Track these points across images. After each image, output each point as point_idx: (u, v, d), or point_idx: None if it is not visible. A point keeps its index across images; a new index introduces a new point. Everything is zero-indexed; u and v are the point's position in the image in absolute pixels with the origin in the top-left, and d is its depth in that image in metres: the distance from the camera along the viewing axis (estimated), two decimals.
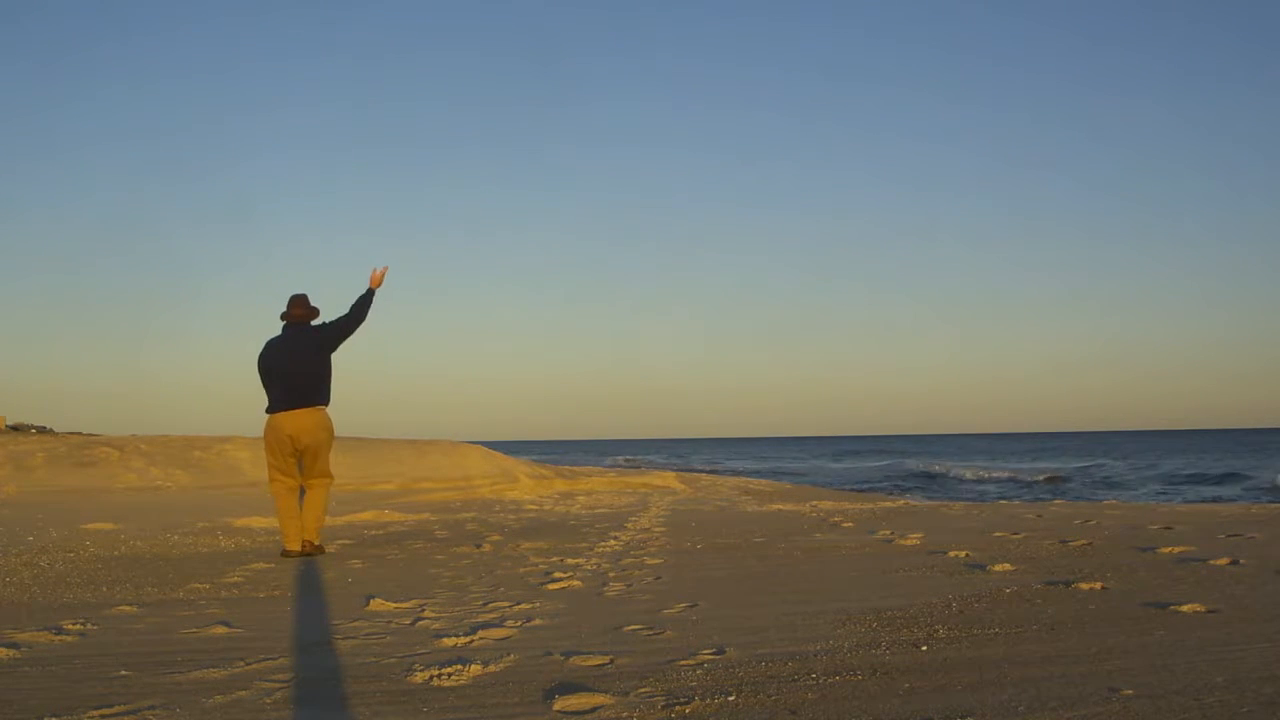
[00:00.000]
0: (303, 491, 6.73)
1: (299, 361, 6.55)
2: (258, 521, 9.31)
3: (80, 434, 23.27)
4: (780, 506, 12.13)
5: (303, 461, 6.66)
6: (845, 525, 8.58)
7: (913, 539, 7.05)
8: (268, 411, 6.57)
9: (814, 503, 13.10)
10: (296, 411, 6.51)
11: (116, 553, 6.77)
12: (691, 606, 4.26)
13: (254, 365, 6.63)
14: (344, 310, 6.69)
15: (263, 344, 6.67)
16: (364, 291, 6.70)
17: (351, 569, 5.85)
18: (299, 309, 6.67)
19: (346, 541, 7.56)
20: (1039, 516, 9.27)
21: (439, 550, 6.85)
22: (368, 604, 4.41)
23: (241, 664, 3.21)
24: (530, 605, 4.34)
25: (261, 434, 6.72)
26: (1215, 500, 20.67)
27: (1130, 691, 2.67)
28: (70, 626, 3.90)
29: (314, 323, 6.70)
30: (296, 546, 6.53)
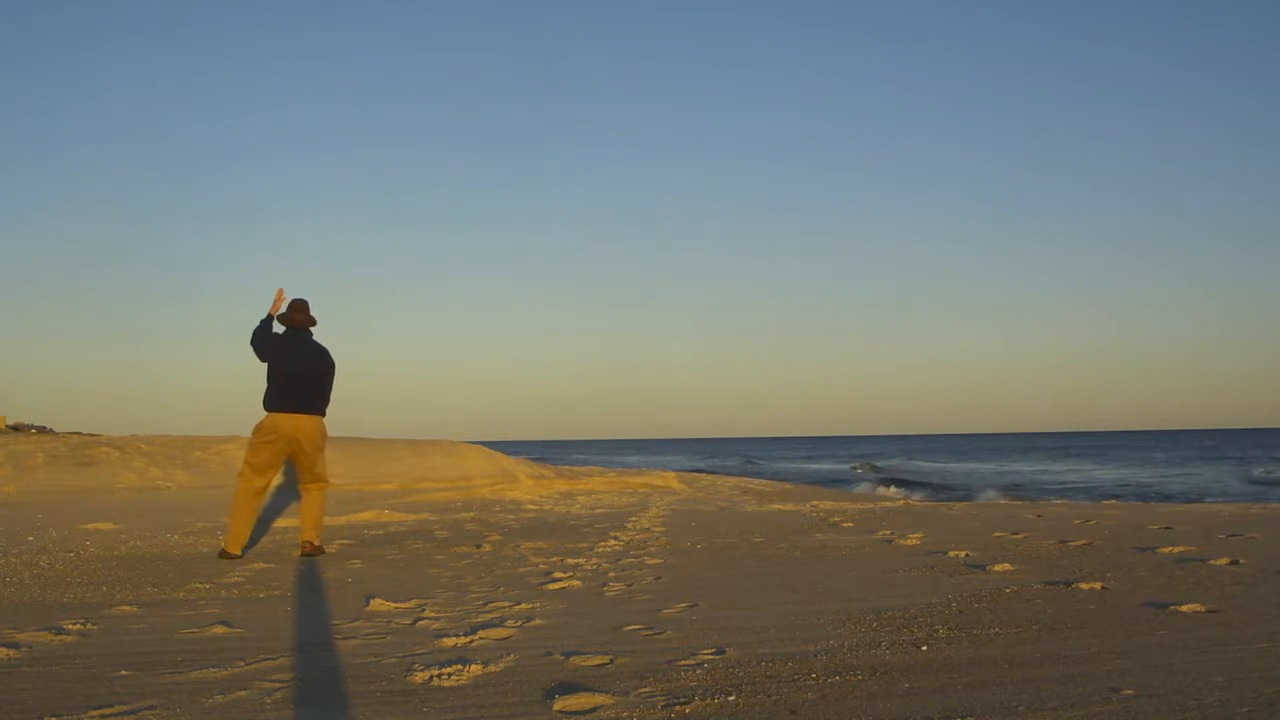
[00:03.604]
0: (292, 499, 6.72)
1: (311, 369, 6.61)
2: None
3: (80, 434, 23.26)
4: (780, 506, 12.12)
5: (299, 465, 6.64)
6: (845, 525, 8.57)
7: (913, 539, 7.04)
8: (271, 409, 6.52)
9: (814, 503, 13.10)
10: (302, 415, 6.54)
11: (116, 553, 6.76)
12: (691, 606, 4.26)
13: (255, 364, 6.61)
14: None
15: (269, 338, 6.59)
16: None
17: (351, 569, 5.85)
18: (302, 314, 6.69)
19: (346, 541, 7.56)
20: (1039, 516, 9.27)
21: (439, 550, 6.85)
22: (368, 604, 4.41)
23: (241, 664, 3.20)
24: (530, 605, 4.34)
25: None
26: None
27: (1130, 691, 2.66)
28: (70, 626, 3.89)
29: (315, 339, 6.75)
30: (237, 551, 6.43)
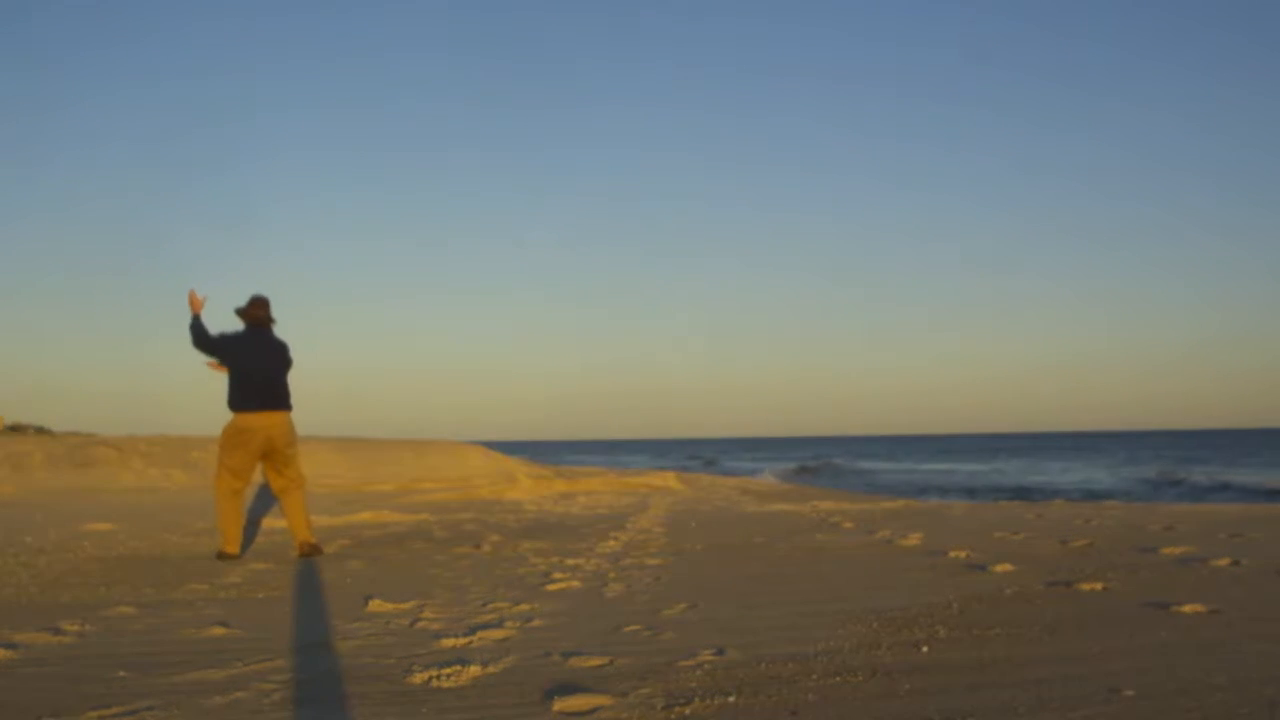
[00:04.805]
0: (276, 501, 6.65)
1: (278, 366, 6.55)
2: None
3: (79, 434, 23.24)
4: (780, 507, 12.11)
5: (275, 464, 6.57)
6: (845, 526, 8.57)
7: (913, 539, 7.04)
8: (241, 410, 6.42)
9: (814, 503, 13.09)
10: (274, 413, 6.48)
11: (114, 553, 6.75)
12: (691, 607, 4.25)
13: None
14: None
15: (223, 338, 6.46)
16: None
17: (351, 569, 5.84)
18: (264, 311, 6.60)
19: (345, 542, 7.55)
20: (1039, 516, 9.27)
21: (438, 551, 6.84)
22: (367, 604, 4.39)
23: (240, 665, 3.19)
24: (530, 606, 4.33)
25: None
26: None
27: (1132, 692, 2.66)
28: (68, 627, 3.88)
29: (277, 334, 6.67)
30: (236, 550, 6.41)
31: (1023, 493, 24.22)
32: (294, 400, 6.66)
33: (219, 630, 3.83)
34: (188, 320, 6.46)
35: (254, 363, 6.44)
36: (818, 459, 57.33)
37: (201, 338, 6.42)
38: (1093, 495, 23.48)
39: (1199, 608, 3.87)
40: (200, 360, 6.49)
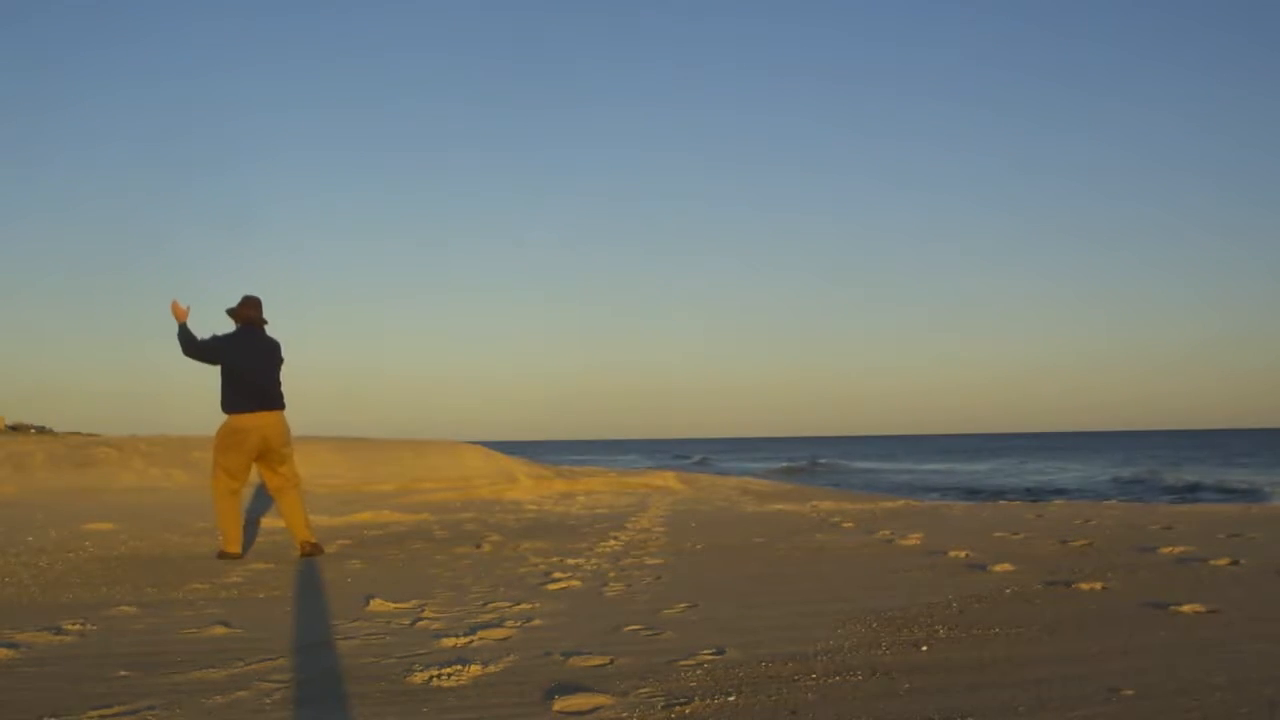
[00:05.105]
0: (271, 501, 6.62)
1: (270, 366, 6.54)
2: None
3: (79, 434, 23.25)
4: (780, 507, 12.11)
5: (270, 464, 6.56)
6: (845, 525, 8.57)
7: (913, 539, 7.04)
8: (235, 411, 6.41)
9: (814, 503, 13.09)
10: (268, 413, 6.47)
11: (115, 553, 6.76)
12: (691, 607, 4.25)
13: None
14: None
15: (216, 339, 6.44)
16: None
17: (351, 569, 5.84)
18: (256, 311, 6.58)
19: (346, 542, 7.55)
20: (1039, 516, 9.27)
21: (438, 550, 6.84)
22: (367, 604, 4.40)
23: (241, 664, 3.20)
24: (530, 605, 4.34)
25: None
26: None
27: (1131, 692, 2.66)
28: (69, 627, 3.89)
29: (269, 332, 6.66)
30: (237, 550, 6.42)
31: (1022, 493, 24.33)
32: (289, 400, 6.67)
33: (220, 630, 3.83)
34: (175, 331, 6.44)
35: (246, 363, 6.43)
36: (808, 460, 57.06)
37: (190, 344, 6.39)
38: (1060, 493, 23.53)
39: (1198, 608, 3.88)
40: (194, 365, 6.48)
